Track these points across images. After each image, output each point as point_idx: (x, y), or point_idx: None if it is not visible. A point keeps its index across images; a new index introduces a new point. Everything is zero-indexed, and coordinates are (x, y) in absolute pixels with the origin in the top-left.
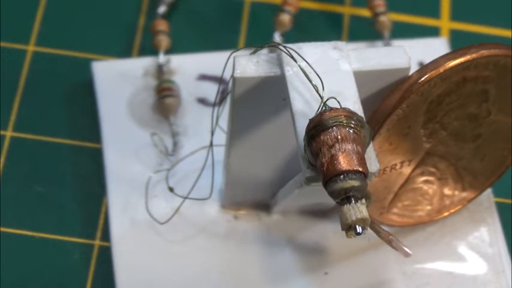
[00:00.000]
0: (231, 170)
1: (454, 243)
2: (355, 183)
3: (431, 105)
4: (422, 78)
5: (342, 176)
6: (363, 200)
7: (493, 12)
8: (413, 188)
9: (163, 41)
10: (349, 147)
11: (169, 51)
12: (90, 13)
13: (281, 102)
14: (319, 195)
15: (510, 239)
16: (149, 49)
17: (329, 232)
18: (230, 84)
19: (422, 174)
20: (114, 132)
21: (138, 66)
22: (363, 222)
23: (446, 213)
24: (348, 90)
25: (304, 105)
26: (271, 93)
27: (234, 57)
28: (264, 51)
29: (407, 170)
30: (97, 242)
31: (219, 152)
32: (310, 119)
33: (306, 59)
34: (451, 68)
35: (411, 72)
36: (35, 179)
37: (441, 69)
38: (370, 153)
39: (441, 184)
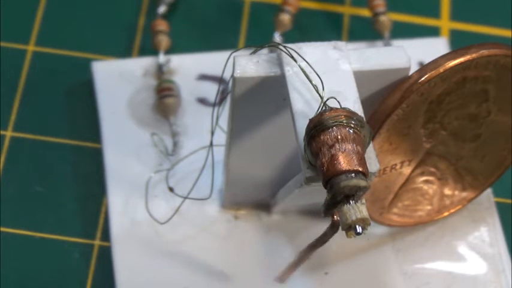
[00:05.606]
0: (231, 170)
1: (454, 243)
2: (363, 182)
3: (431, 105)
4: (422, 78)
5: (352, 173)
6: (363, 200)
7: (493, 12)
8: (414, 188)
9: (163, 41)
10: (349, 147)
11: (169, 51)
12: (90, 13)
13: (281, 102)
14: (319, 195)
15: (510, 239)
16: (149, 49)
17: None
18: (230, 84)
19: (422, 174)
20: (114, 132)
21: (138, 66)
22: (363, 222)
23: (446, 213)
24: (348, 90)
25: (304, 105)
26: (271, 93)
27: (234, 57)
28: (264, 51)
29: (407, 170)
30: (97, 242)
31: (219, 152)
32: (310, 119)
33: (306, 59)
34: (451, 68)
35: (411, 72)
36: (35, 179)
37: (441, 69)
38: (370, 153)
39: (441, 184)
